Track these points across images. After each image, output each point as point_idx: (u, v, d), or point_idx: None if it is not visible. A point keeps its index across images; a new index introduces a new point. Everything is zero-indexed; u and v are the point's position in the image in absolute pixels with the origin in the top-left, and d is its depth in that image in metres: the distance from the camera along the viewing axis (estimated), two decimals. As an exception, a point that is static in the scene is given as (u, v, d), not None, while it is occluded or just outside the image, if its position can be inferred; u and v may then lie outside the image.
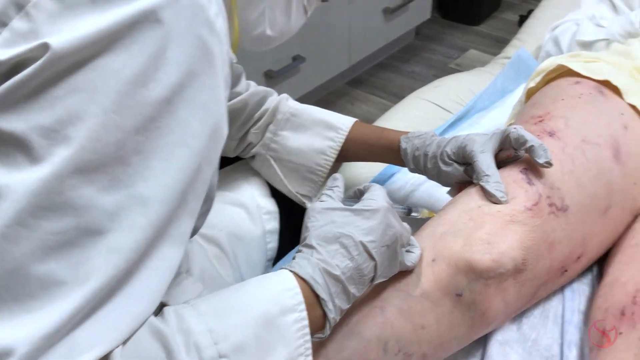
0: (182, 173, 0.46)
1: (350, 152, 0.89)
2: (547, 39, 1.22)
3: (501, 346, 0.74)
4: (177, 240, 0.48)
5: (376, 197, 0.60)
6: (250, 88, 0.90)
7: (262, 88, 0.92)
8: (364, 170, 1.02)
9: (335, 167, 0.95)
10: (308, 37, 2.00)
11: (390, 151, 0.84)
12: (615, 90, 0.83)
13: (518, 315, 0.78)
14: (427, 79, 2.35)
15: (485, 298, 0.66)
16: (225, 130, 0.52)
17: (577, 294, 0.80)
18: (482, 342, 0.75)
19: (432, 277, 0.65)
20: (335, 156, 0.88)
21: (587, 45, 1.12)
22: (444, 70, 2.44)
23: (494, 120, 1.10)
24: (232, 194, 0.88)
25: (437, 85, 1.23)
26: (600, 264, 0.83)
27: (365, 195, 0.62)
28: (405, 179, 0.96)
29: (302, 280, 0.54)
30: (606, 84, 0.84)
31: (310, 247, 0.57)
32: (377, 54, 2.44)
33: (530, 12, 1.54)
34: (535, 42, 1.34)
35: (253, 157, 0.91)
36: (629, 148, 0.78)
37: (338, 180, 0.65)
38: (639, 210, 0.81)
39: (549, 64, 0.92)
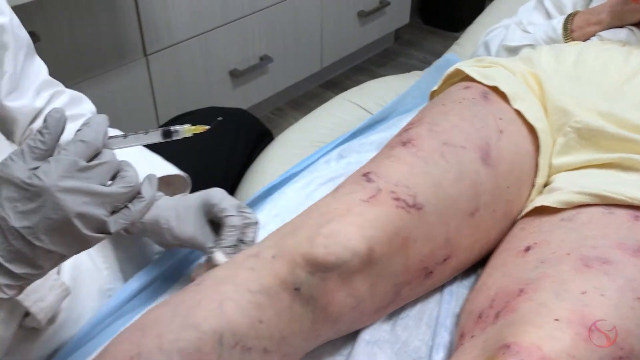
0: None
1: None
2: (479, 44, 1.22)
3: (368, 346, 0.74)
4: None
5: (49, 171, 0.51)
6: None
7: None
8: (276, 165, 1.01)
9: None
10: (277, 38, 2.01)
11: None
12: (504, 95, 0.83)
13: (394, 315, 0.78)
14: (401, 84, 2.35)
15: (324, 292, 0.66)
16: None
17: (454, 297, 0.80)
18: (351, 340, 0.75)
19: (271, 273, 0.66)
20: None
21: (512, 50, 1.12)
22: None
23: (415, 123, 1.10)
24: None
25: (362, 87, 1.23)
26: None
27: (41, 166, 0.51)
28: (310, 177, 0.96)
29: None
30: (495, 89, 0.84)
31: None
32: (353, 57, 2.45)
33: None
34: (473, 47, 1.34)
35: None
36: (501, 152, 0.78)
37: (51, 121, 0.53)
38: (516, 214, 0.81)
39: (452, 68, 0.92)
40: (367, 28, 2.36)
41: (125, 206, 0.56)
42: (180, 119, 1.05)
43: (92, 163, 0.53)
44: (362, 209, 0.70)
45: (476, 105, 0.82)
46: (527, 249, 0.73)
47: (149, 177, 0.58)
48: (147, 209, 0.57)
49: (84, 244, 0.54)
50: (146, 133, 0.60)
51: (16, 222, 0.51)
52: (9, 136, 0.79)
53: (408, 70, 2.45)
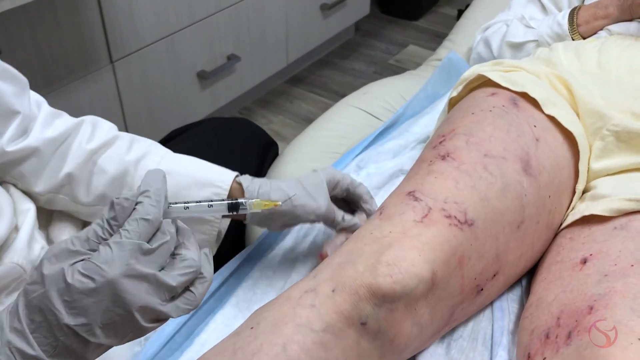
0: None
1: None
2: (477, 41, 1.20)
3: (425, 371, 0.71)
4: None
5: (111, 260, 0.44)
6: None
7: None
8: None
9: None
10: (243, 36, 1.94)
11: None
12: (533, 101, 0.81)
13: (447, 337, 0.75)
14: (368, 76, 2.32)
15: (392, 324, 0.63)
16: None
17: (506, 313, 0.78)
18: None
19: (334, 309, 0.62)
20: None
21: (516, 47, 1.10)
22: (384, 66, 2.42)
23: (425, 127, 1.07)
24: None
25: (365, 91, 1.19)
26: (529, 279, 0.81)
27: (100, 254, 0.45)
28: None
29: None
30: (524, 95, 0.82)
31: (15, 311, 0.46)
32: (316, 51, 2.40)
33: (468, 6, 1.51)
34: (467, 43, 1.32)
35: None
36: (540, 161, 0.76)
37: (120, 212, 0.47)
38: (558, 224, 0.79)
39: (470, 73, 0.90)
40: (330, 21, 2.32)
41: (187, 288, 0.50)
42: (182, 134, 0.98)
43: (155, 245, 0.47)
44: (418, 231, 0.66)
45: (508, 113, 0.80)
46: (584, 261, 0.71)
47: (206, 254, 0.52)
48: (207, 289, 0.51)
49: (139, 334, 0.49)
50: (210, 205, 0.54)
51: (70, 319, 0.44)
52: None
53: (373, 62, 2.44)
